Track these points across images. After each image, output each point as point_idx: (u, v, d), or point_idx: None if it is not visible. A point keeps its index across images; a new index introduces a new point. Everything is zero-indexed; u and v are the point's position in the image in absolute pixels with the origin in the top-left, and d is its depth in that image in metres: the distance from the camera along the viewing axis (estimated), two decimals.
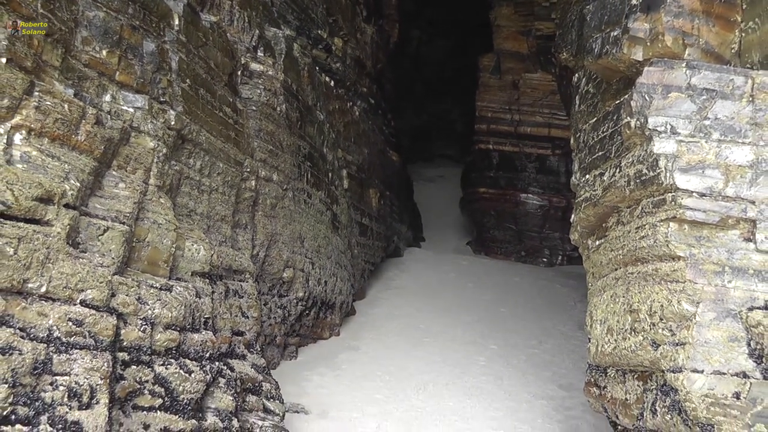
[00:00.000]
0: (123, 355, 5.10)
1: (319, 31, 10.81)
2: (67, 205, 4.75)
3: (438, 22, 21.26)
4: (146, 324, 5.29)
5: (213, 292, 6.34)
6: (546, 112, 16.56)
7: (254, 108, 8.29)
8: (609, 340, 5.60)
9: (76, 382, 4.52)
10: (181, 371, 5.46)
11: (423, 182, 19.25)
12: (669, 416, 4.77)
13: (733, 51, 4.99)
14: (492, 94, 17.11)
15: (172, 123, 6.13)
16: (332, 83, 11.61)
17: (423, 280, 13.68)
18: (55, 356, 4.48)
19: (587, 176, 5.98)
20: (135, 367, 5.20)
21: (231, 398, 5.93)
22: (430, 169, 20.60)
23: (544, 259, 16.05)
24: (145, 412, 5.20)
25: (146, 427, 5.18)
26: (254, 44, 8.47)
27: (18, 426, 4.20)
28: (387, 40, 15.95)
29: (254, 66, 8.43)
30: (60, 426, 4.37)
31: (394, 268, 14.40)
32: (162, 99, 6.10)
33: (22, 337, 4.33)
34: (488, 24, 17.67)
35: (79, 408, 4.50)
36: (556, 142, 16.18)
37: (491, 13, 17.53)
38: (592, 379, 6.05)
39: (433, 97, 21.87)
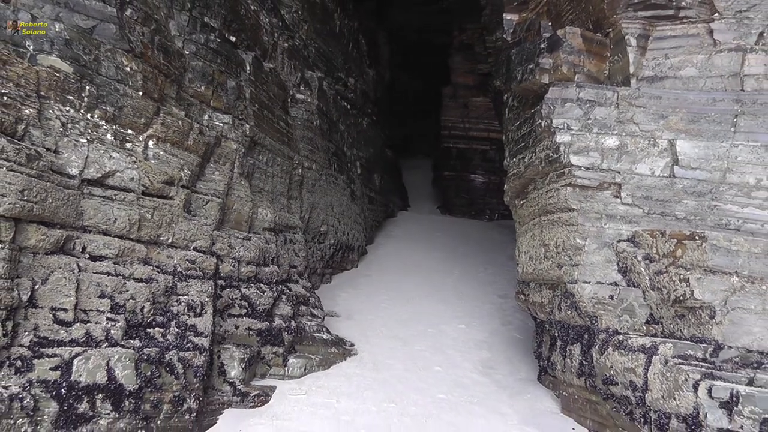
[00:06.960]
0: (221, 282, 5.15)
1: (339, 74, 10.69)
2: (183, 186, 4.77)
3: (416, 67, 21.04)
4: (235, 261, 5.33)
5: (276, 241, 6.36)
6: (486, 122, 16.41)
7: (299, 122, 8.23)
8: (530, 264, 5.64)
9: (192, 300, 4.56)
10: (258, 291, 5.50)
11: (408, 169, 19.07)
12: (569, 311, 4.82)
13: (605, 75, 4.96)
14: (451, 111, 16.95)
15: (247, 132, 6.10)
16: (348, 107, 11.50)
17: (410, 232, 13.65)
18: (178, 283, 4.52)
19: (514, 160, 5.97)
20: (228, 289, 5.24)
21: (290, 308, 5.99)
22: (412, 161, 20.42)
23: (487, 216, 15.99)
24: (235, 318, 5.27)
25: (236, 327, 5.24)
26: (298, 82, 8.39)
27: (157, 328, 4.27)
28: (383, 79, 15.80)
29: (298, 96, 8.35)
30: (183, 328, 4.42)
31: (391, 224, 14.37)
32: (240, 117, 6.06)
33: (158, 271, 4.37)
34: (448, 66, 17.52)
35: (194, 316, 4.55)
36: (493, 142, 16.03)
37: (450, 60, 17.40)
38: (520, 290, 6.09)
39: (413, 115, 21.70)
